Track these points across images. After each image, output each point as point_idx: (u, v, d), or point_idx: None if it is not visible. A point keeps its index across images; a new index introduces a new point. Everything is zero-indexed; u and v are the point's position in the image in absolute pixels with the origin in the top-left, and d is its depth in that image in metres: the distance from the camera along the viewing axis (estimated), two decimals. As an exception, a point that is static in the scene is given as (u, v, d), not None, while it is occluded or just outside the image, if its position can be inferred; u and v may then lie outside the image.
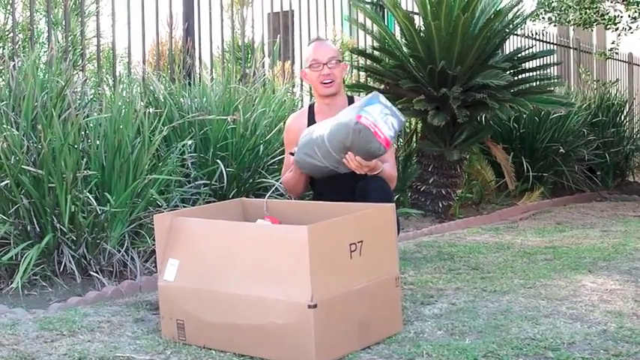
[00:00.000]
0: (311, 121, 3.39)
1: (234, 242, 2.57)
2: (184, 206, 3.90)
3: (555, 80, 6.53)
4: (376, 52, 6.09)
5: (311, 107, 3.47)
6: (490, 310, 3.00)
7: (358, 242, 2.53)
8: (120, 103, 3.89)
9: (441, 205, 5.84)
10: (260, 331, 2.43)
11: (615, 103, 8.88)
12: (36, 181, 3.45)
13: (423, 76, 5.61)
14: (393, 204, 2.77)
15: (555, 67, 8.41)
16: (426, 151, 5.87)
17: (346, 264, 2.49)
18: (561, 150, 7.32)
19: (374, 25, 6.22)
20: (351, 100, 3.41)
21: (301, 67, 3.46)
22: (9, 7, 5.30)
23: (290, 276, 2.38)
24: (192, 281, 2.60)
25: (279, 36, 6.34)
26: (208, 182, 4.14)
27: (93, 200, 3.46)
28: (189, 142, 4.13)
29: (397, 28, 6.05)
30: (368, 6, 6.58)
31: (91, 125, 3.81)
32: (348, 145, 3.00)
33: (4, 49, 5.28)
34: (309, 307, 2.33)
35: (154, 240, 3.09)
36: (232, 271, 2.52)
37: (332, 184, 3.28)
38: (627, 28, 8.67)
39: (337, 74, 3.33)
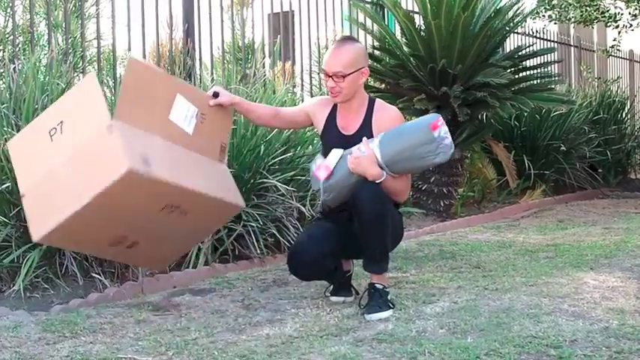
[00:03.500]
0: (332, 116, 3.32)
1: None
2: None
3: (556, 78, 6.55)
4: (377, 52, 6.09)
5: (335, 104, 3.35)
6: (492, 309, 3.00)
7: (58, 125, 2.75)
8: (120, 105, 3.88)
9: (442, 203, 5.84)
10: None
11: (616, 100, 8.89)
12: (37, 184, 3.44)
13: (423, 75, 5.61)
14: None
15: (556, 65, 8.38)
16: (427, 150, 5.86)
17: (49, 146, 2.74)
18: (562, 148, 7.32)
19: (374, 24, 6.22)
20: (371, 103, 3.35)
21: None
22: (9, 10, 5.31)
23: None
24: None
25: (279, 36, 6.34)
26: (209, 183, 4.13)
27: (94, 202, 3.45)
28: (190, 143, 4.12)
29: (397, 28, 6.04)
30: (368, 5, 6.58)
31: (92, 127, 3.80)
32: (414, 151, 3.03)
33: (4, 51, 5.28)
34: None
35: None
36: None
37: None
38: (628, 25, 8.65)
39: (344, 86, 3.19)
